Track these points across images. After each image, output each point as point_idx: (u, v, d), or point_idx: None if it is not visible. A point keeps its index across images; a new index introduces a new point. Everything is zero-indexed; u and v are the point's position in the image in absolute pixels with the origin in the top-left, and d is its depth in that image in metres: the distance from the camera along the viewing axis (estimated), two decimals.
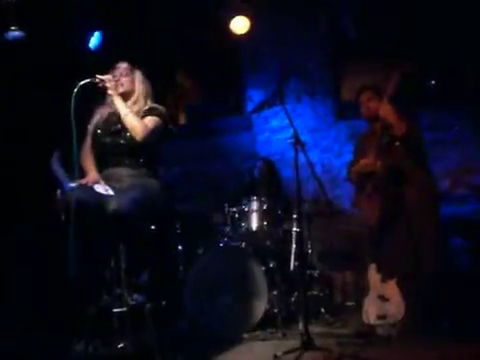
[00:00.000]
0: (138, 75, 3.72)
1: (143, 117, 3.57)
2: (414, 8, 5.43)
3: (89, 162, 3.64)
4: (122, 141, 3.54)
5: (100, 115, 3.68)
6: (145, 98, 3.69)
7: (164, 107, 3.70)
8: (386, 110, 4.06)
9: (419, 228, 3.98)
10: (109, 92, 3.55)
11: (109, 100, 3.67)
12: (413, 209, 4.01)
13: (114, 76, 3.61)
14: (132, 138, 3.49)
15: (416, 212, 4.00)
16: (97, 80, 3.51)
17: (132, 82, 3.67)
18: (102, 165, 3.59)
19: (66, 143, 3.28)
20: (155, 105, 3.68)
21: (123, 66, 3.69)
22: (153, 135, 3.52)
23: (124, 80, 3.65)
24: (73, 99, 3.30)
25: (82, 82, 3.41)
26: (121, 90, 3.62)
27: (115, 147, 3.55)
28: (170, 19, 5.77)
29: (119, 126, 3.56)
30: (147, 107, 3.65)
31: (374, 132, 4.23)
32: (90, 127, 3.67)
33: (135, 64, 3.75)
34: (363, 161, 4.24)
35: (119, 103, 3.53)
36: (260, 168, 5.38)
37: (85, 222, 3.20)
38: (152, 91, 3.75)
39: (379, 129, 4.12)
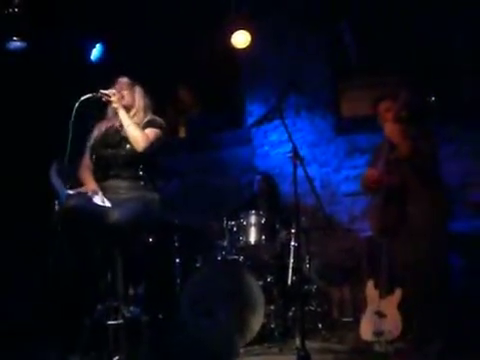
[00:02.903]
0: (138, 90, 3.78)
1: (144, 128, 3.60)
2: (413, 24, 5.46)
3: (87, 175, 3.65)
4: (121, 153, 3.56)
5: (98, 130, 3.73)
6: (145, 111, 3.75)
7: (163, 119, 3.74)
8: (390, 129, 4.02)
9: (422, 248, 3.95)
10: (114, 105, 3.59)
11: (109, 114, 3.74)
12: (416, 228, 3.98)
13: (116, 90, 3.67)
14: (131, 150, 3.53)
15: (420, 231, 3.97)
16: (99, 94, 3.55)
17: (132, 96, 3.73)
18: (100, 178, 3.59)
19: (64, 154, 3.29)
20: (155, 117, 3.74)
21: (124, 81, 3.76)
22: (153, 146, 3.56)
23: (125, 93, 3.70)
24: (74, 112, 3.37)
25: (84, 97, 3.47)
26: (123, 103, 3.66)
27: (113, 159, 3.57)
28: (172, 32, 5.80)
29: (118, 138, 3.60)
30: (147, 119, 3.70)
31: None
32: (89, 143, 3.70)
33: (136, 80, 3.81)
34: (369, 172, 4.19)
35: (123, 114, 3.57)
36: (259, 182, 5.38)
37: (80, 231, 3.21)
38: (152, 105, 3.81)
39: (387, 145, 4.06)
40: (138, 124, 3.61)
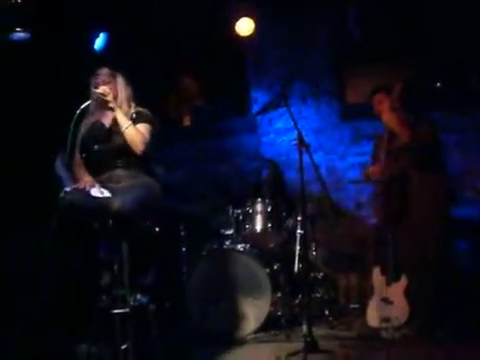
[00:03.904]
0: (120, 80, 3.67)
1: (133, 122, 3.54)
2: (418, 11, 5.42)
3: (81, 171, 3.62)
4: (113, 146, 3.51)
5: (85, 125, 3.65)
6: (128, 102, 3.66)
7: (148, 110, 3.67)
8: (388, 118, 4.08)
9: (425, 234, 3.97)
10: (110, 105, 3.53)
11: (92, 108, 3.63)
12: (418, 215, 4.00)
13: (97, 84, 3.58)
14: (123, 141, 3.48)
15: (422, 218, 3.99)
16: (95, 96, 3.52)
17: (114, 88, 3.61)
18: (95, 172, 3.55)
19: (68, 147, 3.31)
20: (140, 109, 3.66)
21: (104, 71, 3.64)
22: (149, 144, 3.53)
23: (107, 88, 3.58)
24: (75, 118, 3.38)
25: (84, 105, 3.46)
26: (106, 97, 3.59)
27: (105, 153, 3.53)
28: (175, 21, 5.77)
29: (105, 133, 3.56)
30: (133, 111, 3.62)
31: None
32: (78, 140, 3.63)
33: (117, 69, 3.71)
34: (372, 169, 4.29)
35: (120, 115, 3.51)
36: (264, 170, 5.38)
37: (82, 225, 3.21)
38: (134, 94, 3.71)
39: (387, 134, 4.12)
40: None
